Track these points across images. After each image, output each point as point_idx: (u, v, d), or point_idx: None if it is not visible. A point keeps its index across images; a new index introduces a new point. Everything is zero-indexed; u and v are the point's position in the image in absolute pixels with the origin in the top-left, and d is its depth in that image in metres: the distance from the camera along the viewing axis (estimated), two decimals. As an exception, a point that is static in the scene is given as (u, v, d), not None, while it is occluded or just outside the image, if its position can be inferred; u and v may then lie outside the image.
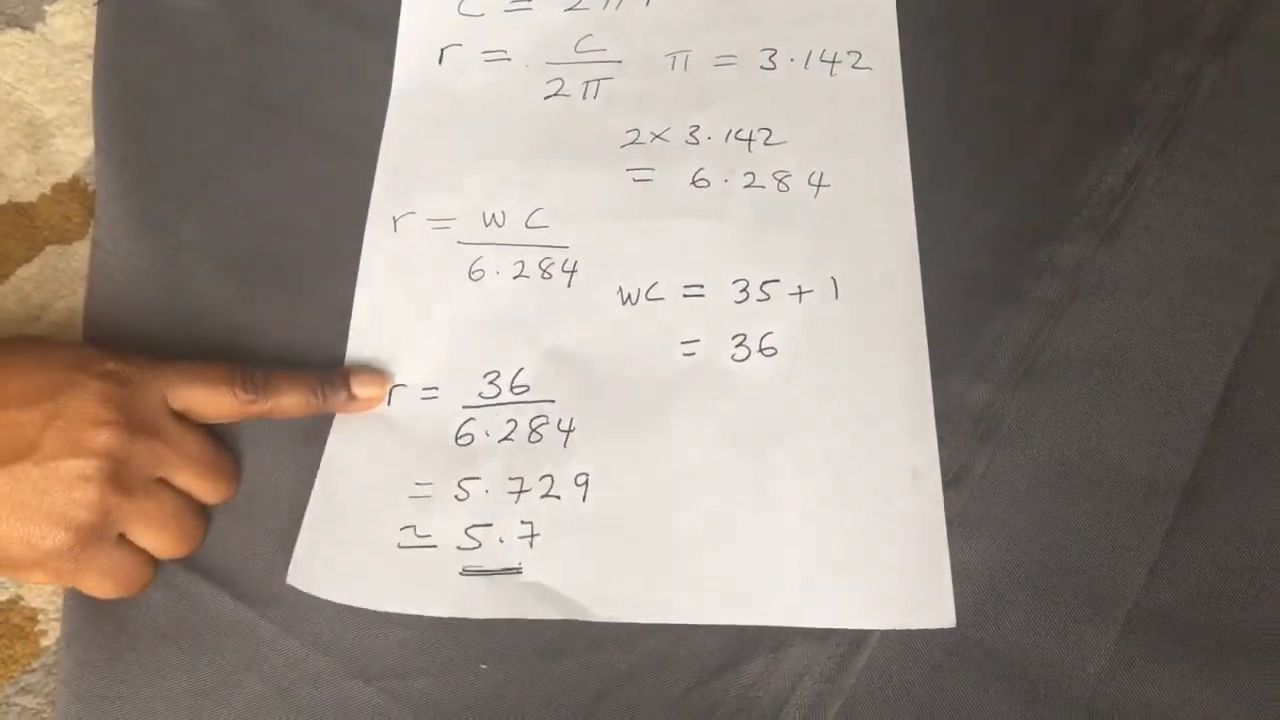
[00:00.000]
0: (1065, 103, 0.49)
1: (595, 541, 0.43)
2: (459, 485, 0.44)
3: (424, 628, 0.42)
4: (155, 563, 0.42)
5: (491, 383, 0.46)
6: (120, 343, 0.46)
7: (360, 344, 0.47)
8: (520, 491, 0.44)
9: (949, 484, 0.43)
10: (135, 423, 0.40)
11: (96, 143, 0.50)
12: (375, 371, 0.46)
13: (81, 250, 0.49)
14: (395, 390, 0.46)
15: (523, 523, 0.43)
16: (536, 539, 0.43)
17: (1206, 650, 0.40)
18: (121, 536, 0.41)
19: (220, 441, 0.44)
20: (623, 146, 0.50)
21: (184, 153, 0.50)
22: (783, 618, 0.41)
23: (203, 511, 0.44)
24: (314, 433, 0.45)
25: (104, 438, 0.39)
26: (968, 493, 0.43)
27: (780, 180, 0.49)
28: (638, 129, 0.50)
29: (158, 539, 0.41)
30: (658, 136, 0.50)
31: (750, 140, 0.50)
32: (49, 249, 0.50)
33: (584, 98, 0.51)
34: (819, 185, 0.48)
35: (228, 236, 0.49)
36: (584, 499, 0.44)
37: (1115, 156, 0.48)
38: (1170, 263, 0.46)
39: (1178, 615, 0.41)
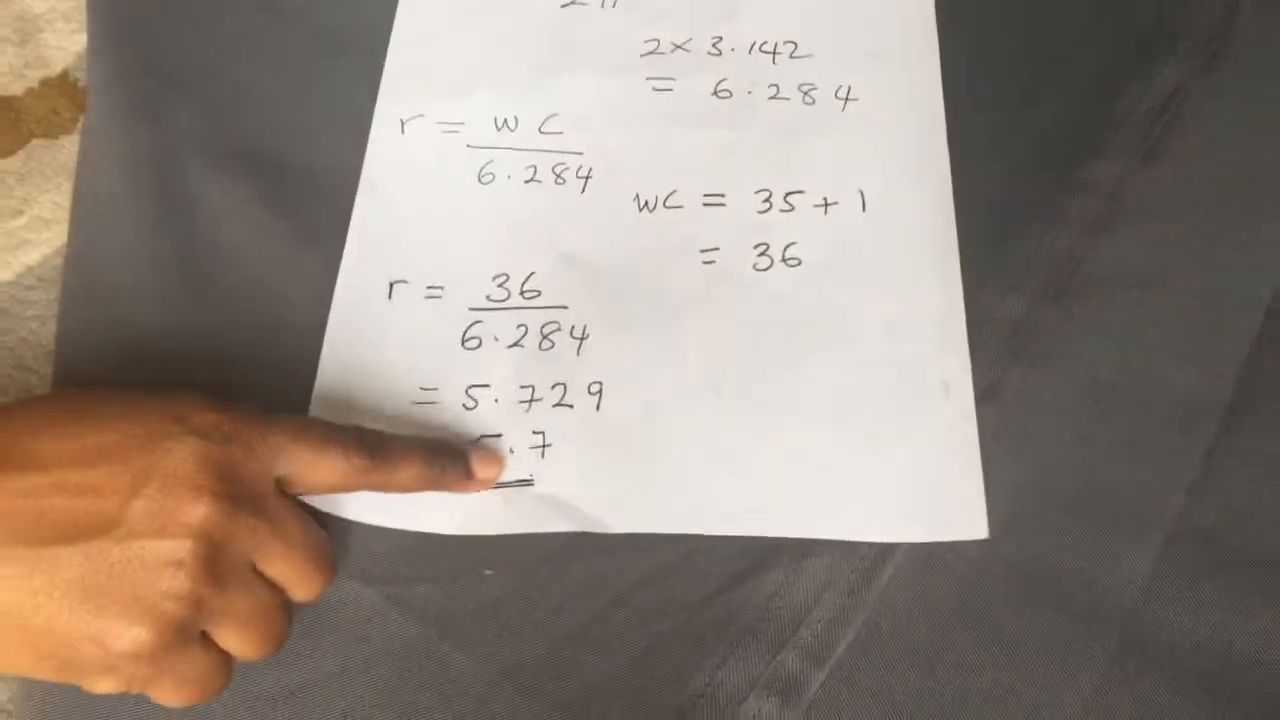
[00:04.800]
0: (1105, 22, 0.47)
1: (609, 452, 0.41)
2: (467, 394, 0.42)
3: (426, 534, 0.39)
4: (232, 665, 0.35)
5: (500, 285, 0.43)
6: (107, 237, 0.43)
7: (359, 241, 0.44)
8: (531, 400, 0.41)
9: (981, 399, 0.41)
10: (238, 495, 0.33)
11: (89, 30, 0.48)
12: (495, 453, 0.40)
13: (68, 144, 0.47)
14: (397, 286, 0.43)
15: (534, 433, 0.41)
16: (548, 449, 0.41)
17: (1247, 573, 0.39)
18: (203, 634, 0.34)
19: (319, 525, 0.37)
20: (642, 56, 0.48)
21: (179, 41, 0.47)
22: (807, 529, 0.39)
23: (290, 608, 0.36)
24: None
25: (201, 512, 0.32)
26: (1000, 409, 0.41)
27: (806, 93, 0.47)
28: (658, 39, 0.48)
29: (244, 640, 0.34)
30: (679, 47, 0.48)
31: (775, 53, 0.48)
32: (34, 142, 0.47)
33: (603, 7, 0.49)
34: (846, 99, 0.46)
35: (223, 131, 0.46)
36: (597, 408, 0.41)
37: (1156, 77, 0.46)
38: (1212, 184, 0.44)
39: (1217, 538, 0.39)
